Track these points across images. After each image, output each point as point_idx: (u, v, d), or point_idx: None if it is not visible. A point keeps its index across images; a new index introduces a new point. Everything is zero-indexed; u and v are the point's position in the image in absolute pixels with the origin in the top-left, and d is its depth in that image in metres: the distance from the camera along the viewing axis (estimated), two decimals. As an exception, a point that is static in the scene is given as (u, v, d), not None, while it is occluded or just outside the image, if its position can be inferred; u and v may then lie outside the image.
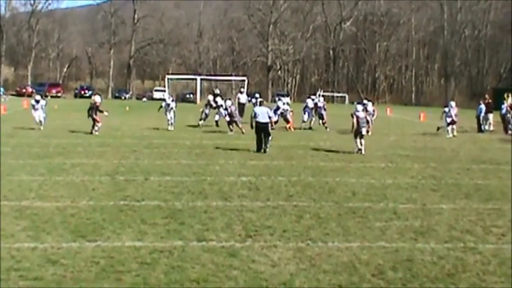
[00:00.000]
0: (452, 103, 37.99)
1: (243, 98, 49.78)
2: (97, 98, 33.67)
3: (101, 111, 32.70)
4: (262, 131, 25.72)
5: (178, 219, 13.36)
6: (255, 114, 26.20)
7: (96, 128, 32.60)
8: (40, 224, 12.69)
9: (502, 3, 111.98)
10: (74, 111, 55.73)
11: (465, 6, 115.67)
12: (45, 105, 34.68)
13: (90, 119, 32.88)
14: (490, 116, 43.03)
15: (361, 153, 25.75)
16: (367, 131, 26.60)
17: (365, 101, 40.09)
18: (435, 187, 18.23)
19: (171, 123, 36.81)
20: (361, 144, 26.08)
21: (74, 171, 19.80)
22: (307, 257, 10.84)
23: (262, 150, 25.39)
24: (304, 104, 41.67)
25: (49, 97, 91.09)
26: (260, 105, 27.34)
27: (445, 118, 36.51)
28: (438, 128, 37.55)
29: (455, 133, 36.50)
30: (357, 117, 26.30)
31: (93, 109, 32.67)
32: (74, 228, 12.39)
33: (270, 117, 26.16)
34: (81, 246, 11.16)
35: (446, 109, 36.76)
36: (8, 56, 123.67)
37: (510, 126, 40.63)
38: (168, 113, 37.14)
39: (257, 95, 48.58)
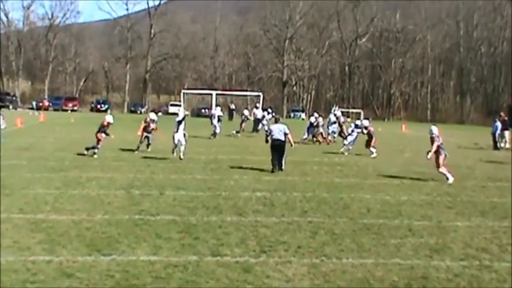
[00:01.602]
0: None
1: (259, 113, 49.97)
2: (109, 118, 29.95)
3: (107, 134, 29.24)
4: (277, 148, 24.79)
5: (192, 234, 13.37)
6: (271, 131, 25.43)
7: (96, 149, 28.47)
8: (55, 237, 12.73)
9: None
10: (90, 124, 55.85)
11: (481, 23, 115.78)
12: (3, 119, 29.95)
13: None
14: (506, 133, 42.90)
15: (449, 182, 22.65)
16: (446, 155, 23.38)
17: (358, 122, 35.75)
18: (450, 204, 18.17)
19: (181, 151, 27.18)
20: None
21: (90, 185, 19.85)
22: (322, 273, 10.82)
23: (278, 169, 24.48)
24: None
25: (69, 111, 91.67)
26: (276, 122, 26.70)
27: None
28: None
29: None
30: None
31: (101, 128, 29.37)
32: (89, 242, 12.42)
33: (285, 134, 24.99)
34: (96, 260, 11.18)
35: None
36: (25, 70, 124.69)
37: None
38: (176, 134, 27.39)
39: (269, 111, 48.60)
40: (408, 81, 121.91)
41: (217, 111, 44.50)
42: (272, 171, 24.35)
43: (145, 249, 12.06)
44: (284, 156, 25.01)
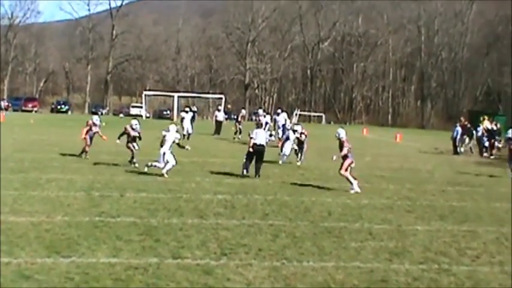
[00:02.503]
0: None
1: (220, 115, 49.93)
2: (135, 123, 26.62)
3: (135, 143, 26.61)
4: (257, 154, 24.11)
5: (153, 236, 13.32)
6: (255, 135, 24.39)
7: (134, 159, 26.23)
8: (14, 239, 12.58)
9: (479, 27, 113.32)
10: (50, 125, 55.49)
11: (442, 29, 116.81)
12: None
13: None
14: (466, 138, 43.37)
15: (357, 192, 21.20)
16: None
17: (296, 127, 31.87)
18: (410, 208, 18.32)
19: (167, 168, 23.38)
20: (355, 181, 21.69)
21: (49, 187, 19.68)
22: (282, 276, 10.83)
23: (257, 176, 23.78)
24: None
25: (33, 111, 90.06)
26: (258, 127, 25.69)
27: None
28: None
29: None
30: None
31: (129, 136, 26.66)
32: (48, 244, 12.31)
33: (267, 141, 24.56)
34: (56, 262, 11.08)
35: None
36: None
37: (485, 149, 41.03)
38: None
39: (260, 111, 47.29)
40: (370, 85, 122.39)
41: (187, 114, 44.58)
42: (242, 175, 23.83)
43: (106, 251, 11.98)
44: (261, 164, 24.37)
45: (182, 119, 44.58)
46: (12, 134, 41.35)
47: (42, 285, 9.81)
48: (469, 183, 25.29)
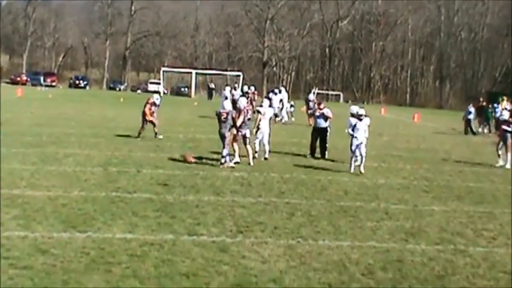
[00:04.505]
0: None
1: (237, 94, 49.74)
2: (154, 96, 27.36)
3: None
4: (319, 134, 24.29)
5: (169, 212, 13.35)
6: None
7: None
8: (31, 213, 12.66)
9: (499, 7, 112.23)
10: (68, 101, 55.67)
11: (462, 8, 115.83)
12: None
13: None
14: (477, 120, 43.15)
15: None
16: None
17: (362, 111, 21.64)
18: (427, 188, 18.26)
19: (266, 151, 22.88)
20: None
21: (67, 161, 19.76)
22: (298, 255, 10.83)
23: (321, 157, 23.95)
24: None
25: (59, 87, 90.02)
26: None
27: None
28: None
29: None
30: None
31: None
32: (65, 218, 12.37)
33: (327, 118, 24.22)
34: (72, 237, 11.14)
35: None
36: (3, 44, 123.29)
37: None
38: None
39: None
40: (388, 64, 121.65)
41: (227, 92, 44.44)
42: (309, 156, 24.12)
43: (121, 226, 12.03)
44: (326, 145, 24.39)
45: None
46: (30, 108, 41.54)
47: (58, 260, 9.86)
48: (487, 164, 25.13)
